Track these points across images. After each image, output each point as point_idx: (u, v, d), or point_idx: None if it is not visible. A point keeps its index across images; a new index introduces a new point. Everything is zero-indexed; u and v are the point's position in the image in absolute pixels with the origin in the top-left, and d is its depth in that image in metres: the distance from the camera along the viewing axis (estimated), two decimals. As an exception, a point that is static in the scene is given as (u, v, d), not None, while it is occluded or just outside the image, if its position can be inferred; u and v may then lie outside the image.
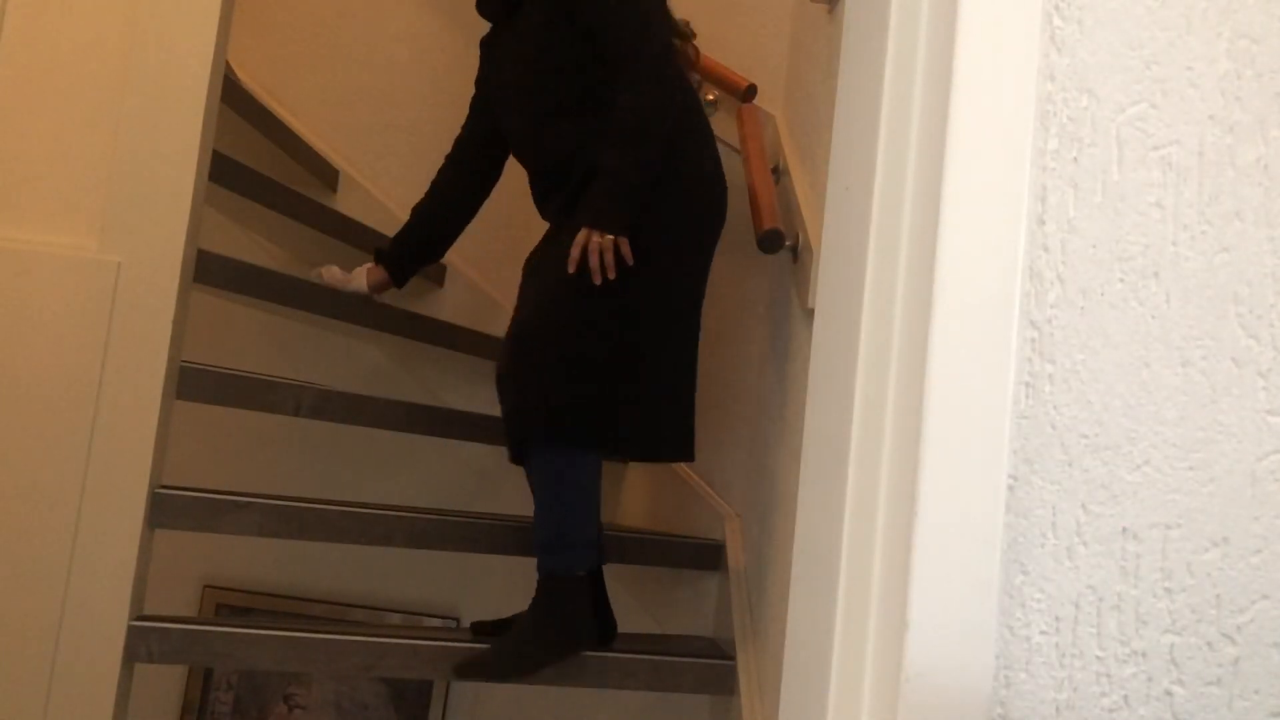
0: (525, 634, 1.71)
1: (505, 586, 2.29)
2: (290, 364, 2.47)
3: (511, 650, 1.69)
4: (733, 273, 2.24)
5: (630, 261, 1.69)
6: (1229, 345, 0.84)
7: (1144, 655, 0.81)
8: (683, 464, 2.26)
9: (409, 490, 2.44)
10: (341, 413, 1.94)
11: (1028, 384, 0.82)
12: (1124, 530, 0.82)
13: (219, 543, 2.38)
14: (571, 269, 1.69)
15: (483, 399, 2.43)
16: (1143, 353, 0.83)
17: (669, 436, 1.81)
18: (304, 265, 2.33)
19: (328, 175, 2.61)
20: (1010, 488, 0.81)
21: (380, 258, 2.08)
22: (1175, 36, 0.86)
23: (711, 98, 2.30)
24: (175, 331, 1.61)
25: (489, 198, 2.09)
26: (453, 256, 2.22)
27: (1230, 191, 0.85)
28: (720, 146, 1.95)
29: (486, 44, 2.00)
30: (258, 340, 2.51)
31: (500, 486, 2.39)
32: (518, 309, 1.85)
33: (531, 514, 1.86)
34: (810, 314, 1.58)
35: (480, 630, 1.88)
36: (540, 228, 1.93)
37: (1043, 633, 0.81)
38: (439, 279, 2.62)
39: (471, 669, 1.69)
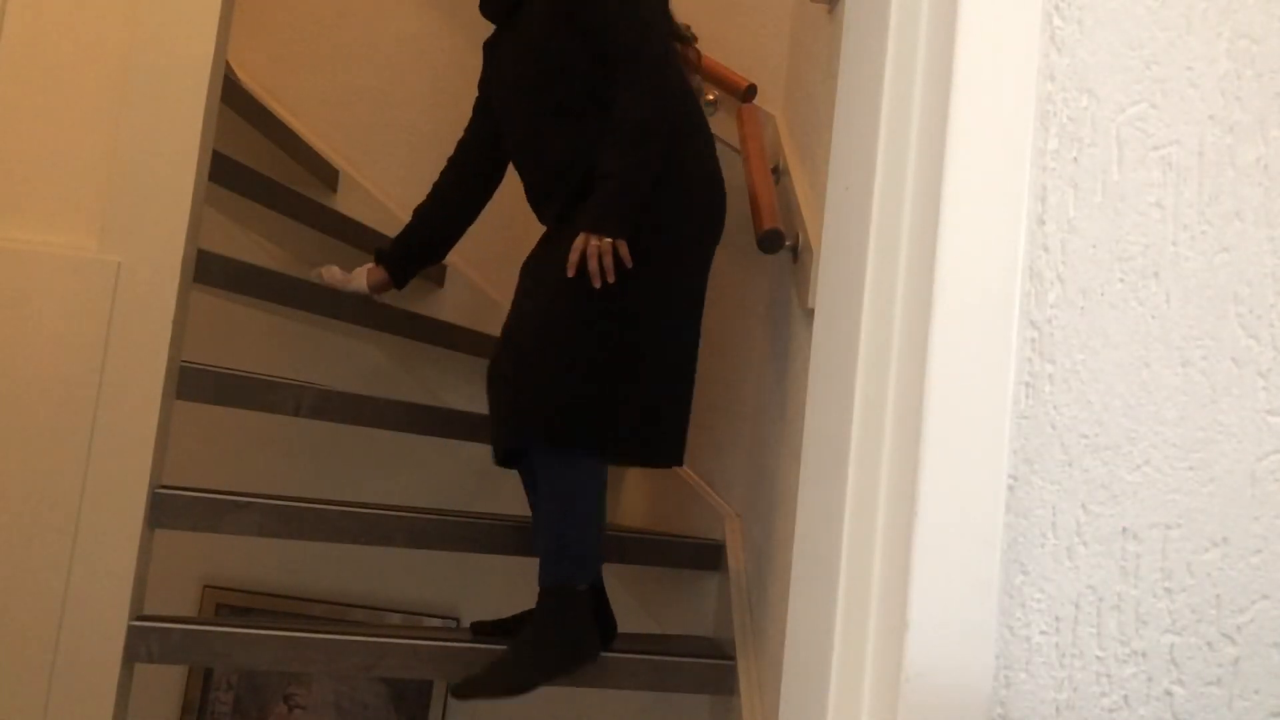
0: (525, 649, 1.69)
1: (505, 586, 2.29)
2: (290, 364, 2.47)
3: (511, 666, 1.68)
4: (733, 273, 2.24)
5: (629, 264, 1.69)
6: (1229, 345, 0.84)
7: (1144, 655, 0.81)
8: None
9: (409, 490, 2.44)
10: (341, 413, 1.94)
11: (1028, 384, 0.82)
12: (1124, 530, 0.82)
13: (219, 543, 2.38)
14: (570, 273, 1.69)
15: (483, 399, 2.42)
16: (1143, 353, 0.83)
17: (666, 440, 1.81)
18: (304, 265, 2.33)
19: (328, 175, 2.62)
20: (1010, 488, 0.81)
21: (381, 258, 2.08)
22: (1175, 36, 0.86)
23: (711, 98, 2.30)
24: (175, 331, 1.61)
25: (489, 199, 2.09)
26: (453, 257, 2.22)
27: (1230, 191, 0.85)
28: (720, 146, 1.95)
29: (489, 46, 2.00)
30: (258, 340, 2.51)
31: (500, 486, 2.39)
32: (513, 310, 1.84)
33: (529, 514, 1.86)
34: (810, 314, 1.58)
35: (480, 630, 1.88)
36: (541, 228, 1.93)
37: (1043, 633, 0.81)
38: (439, 279, 2.62)
39: (471, 687, 1.66)
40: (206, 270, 1.75)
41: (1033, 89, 0.83)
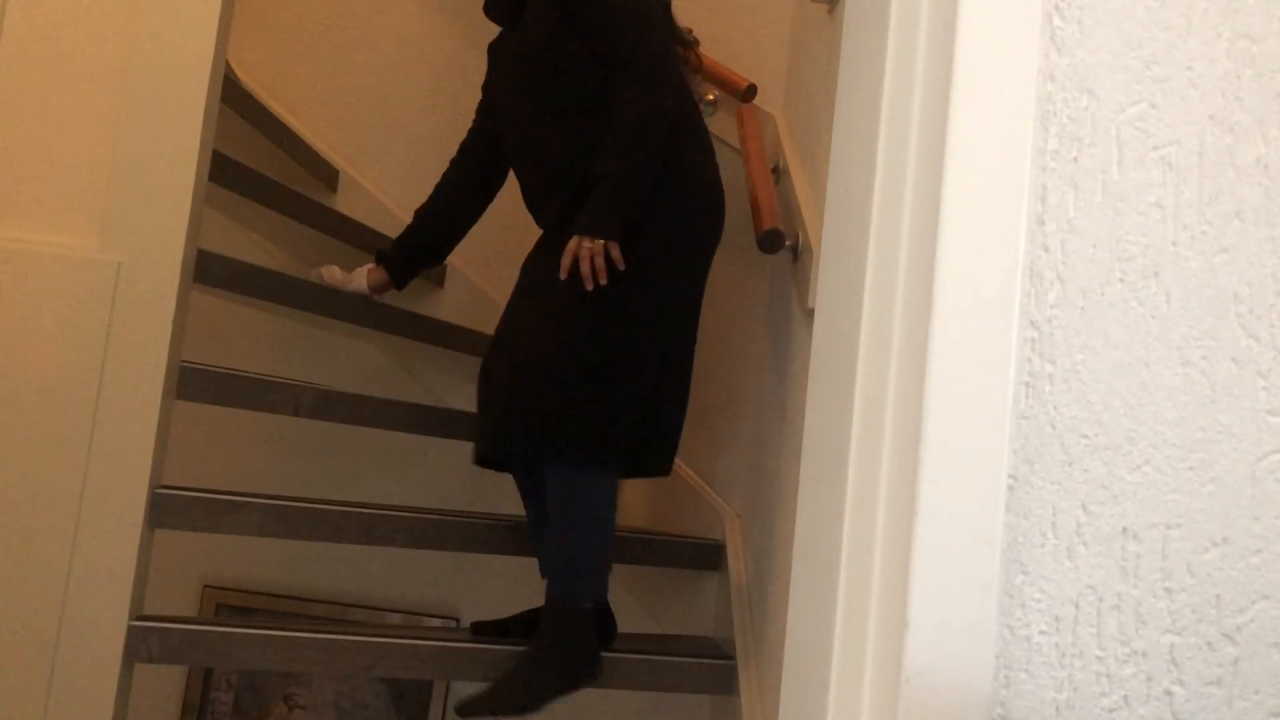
0: (528, 668, 1.69)
1: (505, 586, 2.29)
2: (290, 364, 2.47)
3: (515, 685, 1.67)
4: (733, 273, 2.24)
5: (622, 266, 1.69)
6: (1229, 345, 0.84)
7: (1144, 655, 0.81)
8: (682, 464, 2.26)
9: (409, 490, 2.44)
10: (341, 413, 1.94)
11: (1028, 384, 0.82)
12: (1124, 530, 0.82)
13: (219, 543, 2.38)
14: (563, 275, 1.69)
15: (483, 399, 2.43)
16: (1143, 353, 0.83)
17: (663, 449, 1.81)
18: (304, 265, 2.33)
19: (328, 175, 2.62)
20: (1010, 488, 0.81)
21: (381, 258, 2.08)
22: (1175, 36, 0.86)
23: (711, 98, 2.30)
24: (175, 331, 1.61)
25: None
26: (453, 257, 2.22)
27: (1230, 191, 0.85)
28: (720, 146, 1.95)
29: (493, 48, 1.99)
30: (258, 340, 2.51)
31: (500, 487, 2.39)
32: (509, 310, 1.84)
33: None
34: (810, 314, 1.58)
35: (480, 630, 1.88)
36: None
37: (1043, 633, 0.81)
38: (439, 279, 2.62)
39: (475, 705, 1.65)
40: (206, 270, 1.75)
41: (1033, 89, 0.83)
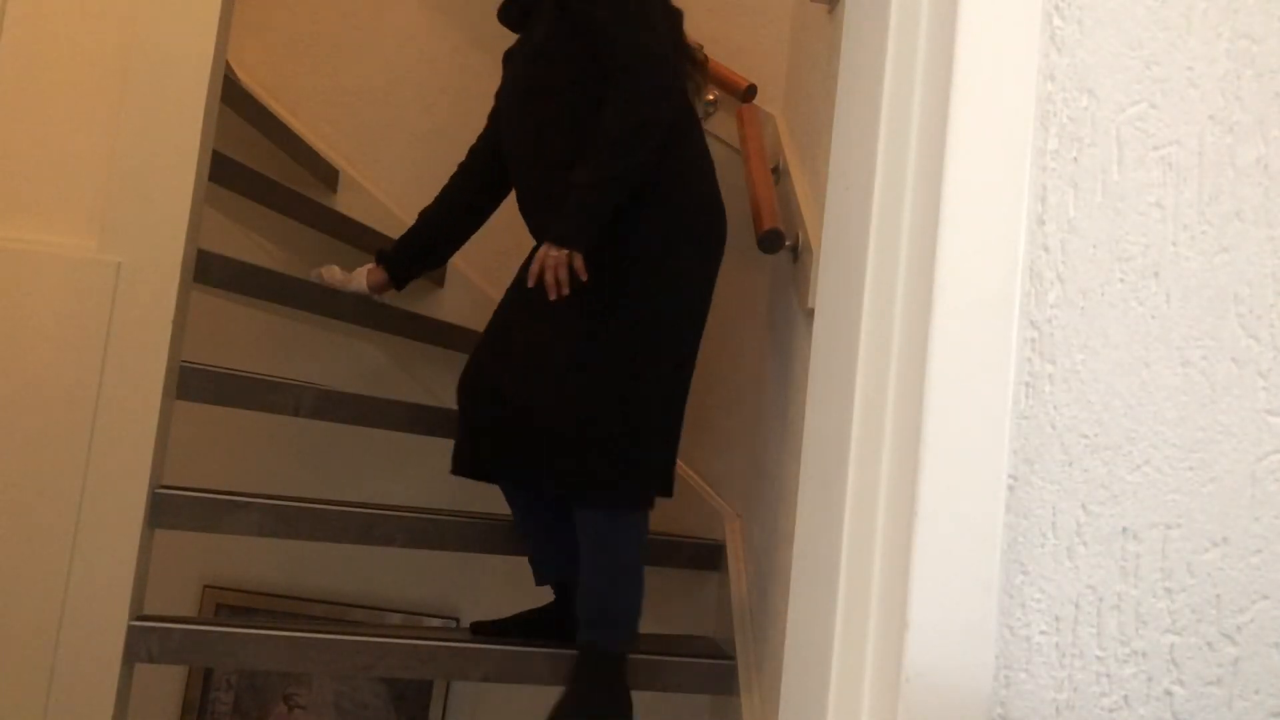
0: (568, 714, 1.68)
1: (505, 586, 2.29)
2: (290, 364, 2.47)
3: None
4: (733, 273, 2.23)
5: (584, 278, 1.67)
6: (1229, 345, 0.84)
7: (1144, 655, 0.81)
8: (683, 464, 2.26)
9: (409, 490, 2.44)
10: (341, 413, 1.94)
11: (1028, 384, 0.82)
12: (1124, 530, 0.82)
13: (219, 543, 2.38)
14: (531, 283, 1.68)
15: (483, 399, 2.43)
16: (1143, 353, 0.83)
17: (673, 471, 1.81)
18: (304, 265, 2.33)
19: (328, 175, 2.62)
20: (1010, 488, 0.81)
21: (382, 259, 2.08)
22: (1175, 36, 0.86)
23: (711, 98, 2.30)
24: (175, 331, 1.61)
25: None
26: (454, 257, 2.22)
27: (1230, 191, 0.85)
28: (720, 146, 1.94)
29: (508, 55, 1.97)
30: (258, 340, 2.51)
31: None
32: (516, 327, 1.81)
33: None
34: (810, 314, 1.58)
35: (480, 630, 1.88)
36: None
37: (1043, 633, 0.81)
38: (439, 279, 2.62)
39: None
40: (206, 270, 1.75)
41: (1033, 89, 0.83)
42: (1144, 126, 0.85)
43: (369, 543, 1.84)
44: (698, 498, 2.28)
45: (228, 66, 1.85)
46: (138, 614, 1.61)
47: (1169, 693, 0.81)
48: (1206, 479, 0.83)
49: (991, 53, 0.82)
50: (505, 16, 1.96)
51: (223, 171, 1.97)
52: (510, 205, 2.08)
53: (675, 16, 1.87)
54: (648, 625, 2.25)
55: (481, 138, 2.06)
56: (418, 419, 2.08)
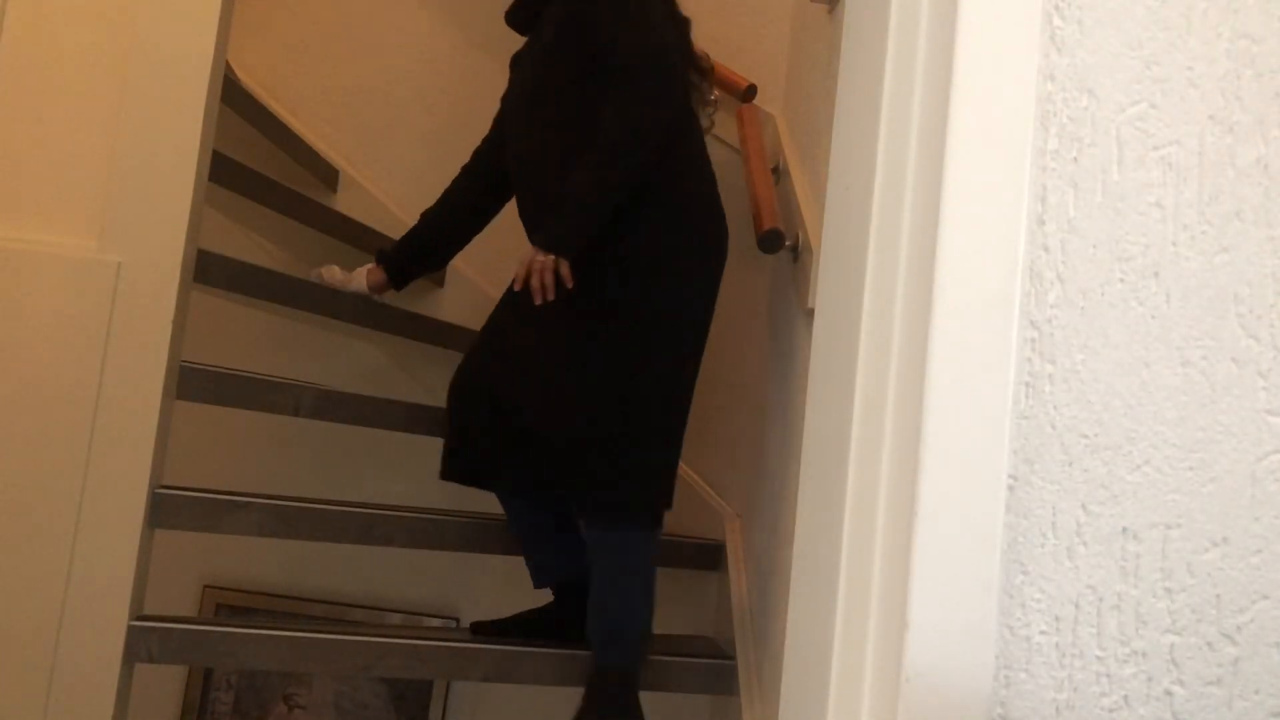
0: None
1: (505, 586, 2.29)
2: (290, 364, 2.47)
3: None
4: (733, 273, 2.23)
5: (570, 285, 1.66)
6: (1229, 345, 0.84)
7: (1144, 655, 0.81)
8: (683, 464, 2.26)
9: (409, 490, 2.44)
10: (341, 413, 1.94)
11: (1028, 384, 0.82)
12: (1124, 530, 0.82)
13: (219, 543, 2.38)
14: (516, 287, 1.67)
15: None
16: (1143, 353, 0.83)
17: (669, 476, 1.80)
18: (304, 265, 2.33)
19: (328, 175, 2.62)
20: (1010, 488, 0.81)
21: (382, 258, 2.08)
22: (1175, 36, 0.86)
23: (714, 96, 2.30)
24: (175, 331, 1.61)
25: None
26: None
27: (1230, 191, 0.85)
28: (720, 146, 1.94)
29: (515, 59, 1.96)
30: (258, 340, 2.51)
31: (500, 486, 2.39)
32: (518, 335, 1.78)
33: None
34: (810, 314, 1.58)
35: (480, 630, 1.88)
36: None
37: (1043, 633, 0.81)
38: (439, 279, 2.62)
39: None
40: (206, 270, 1.75)
41: (1033, 89, 0.83)
42: (1144, 126, 0.85)
43: (369, 543, 1.84)
44: (698, 498, 2.28)
45: (228, 66, 1.85)
46: (138, 614, 1.61)
47: (1169, 693, 0.81)
48: (1206, 479, 0.83)
49: (991, 53, 0.82)
50: (513, 19, 1.95)
51: (223, 171, 1.97)
52: (509, 208, 2.08)
53: (683, 25, 1.86)
54: (648, 625, 2.26)
55: (486, 140, 2.05)
56: (418, 419, 2.08)
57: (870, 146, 0.88)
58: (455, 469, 1.80)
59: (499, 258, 2.54)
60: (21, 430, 1.55)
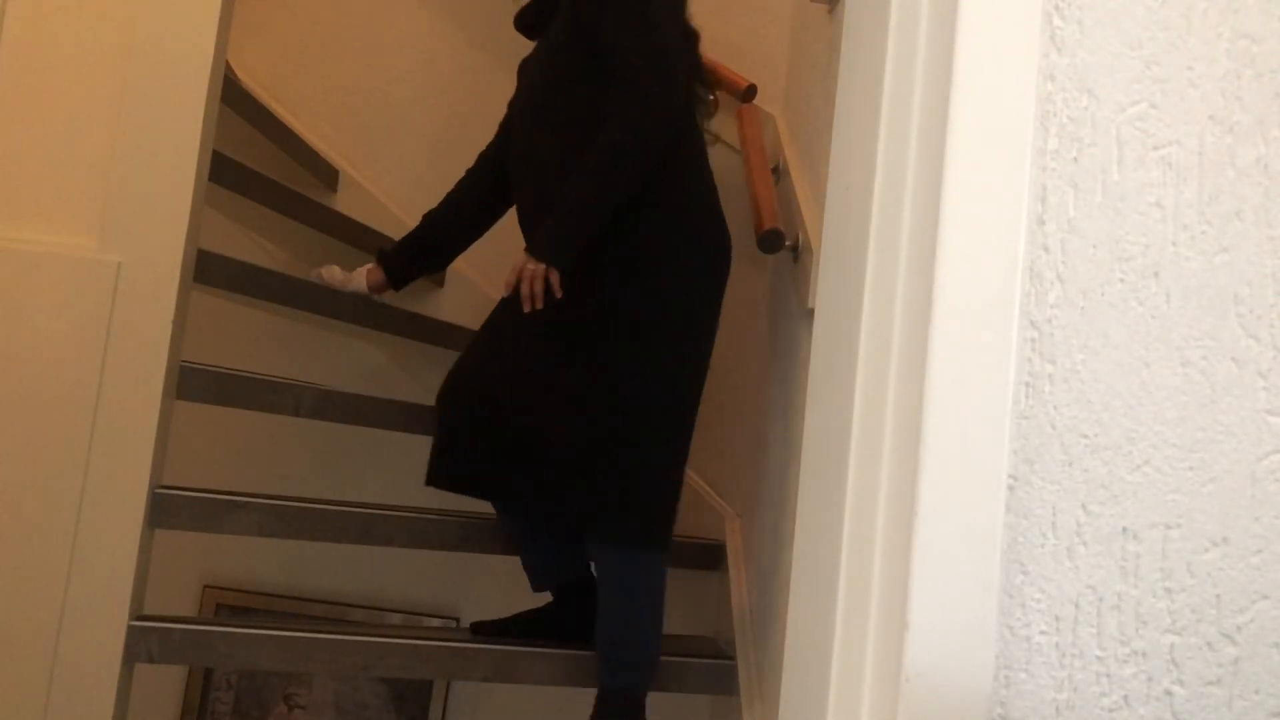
0: None
1: (505, 586, 2.29)
2: (290, 364, 2.47)
3: None
4: (733, 273, 2.23)
5: (559, 294, 1.64)
6: (1229, 345, 0.84)
7: (1144, 655, 0.81)
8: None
9: (409, 490, 2.44)
10: (341, 413, 1.94)
11: (1028, 384, 0.82)
12: (1124, 530, 0.82)
13: (219, 543, 2.38)
14: (506, 293, 1.67)
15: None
16: (1143, 353, 0.83)
17: (671, 478, 1.78)
18: (304, 265, 2.33)
19: (328, 175, 2.62)
20: (1010, 488, 0.81)
21: (382, 258, 2.08)
22: (1175, 36, 0.86)
23: (712, 98, 2.30)
24: (175, 331, 1.61)
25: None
26: (454, 258, 2.22)
27: (1230, 191, 0.85)
28: (720, 146, 1.94)
29: (523, 64, 1.95)
30: (258, 340, 2.51)
31: (500, 486, 2.39)
32: (520, 345, 1.76)
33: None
34: (810, 314, 1.57)
35: (480, 630, 1.88)
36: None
37: (1043, 633, 0.81)
38: (439, 279, 2.62)
39: None
40: (206, 270, 1.75)
41: (1033, 89, 0.83)
42: (1144, 126, 0.85)
43: (369, 543, 1.84)
44: (698, 498, 2.28)
45: (228, 66, 1.85)
46: (138, 614, 1.61)
47: (1169, 693, 0.81)
48: (1206, 479, 0.83)
49: (991, 53, 0.82)
50: (521, 23, 1.94)
51: (223, 171, 1.97)
52: (509, 209, 2.08)
53: (693, 38, 1.85)
54: (648, 625, 2.26)
55: (492, 144, 2.04)
56: (417, 419, 2.08)
57: (870, 146, 0.88)
58: (442, 472, 1.78)
59: (499, 258, 2.53)
60: (21, 430, 1.55)
